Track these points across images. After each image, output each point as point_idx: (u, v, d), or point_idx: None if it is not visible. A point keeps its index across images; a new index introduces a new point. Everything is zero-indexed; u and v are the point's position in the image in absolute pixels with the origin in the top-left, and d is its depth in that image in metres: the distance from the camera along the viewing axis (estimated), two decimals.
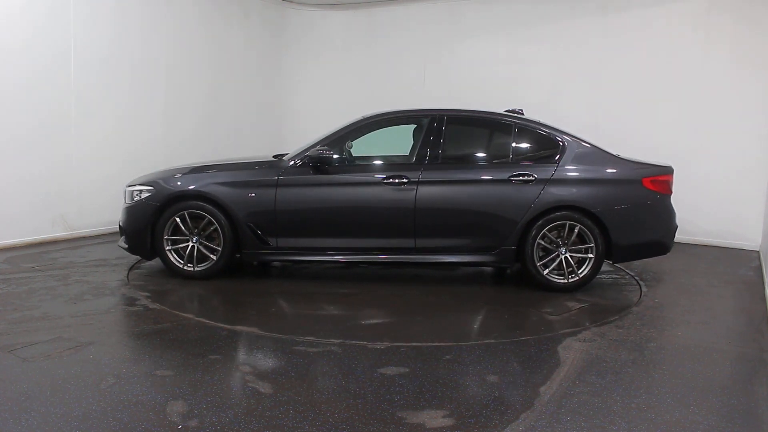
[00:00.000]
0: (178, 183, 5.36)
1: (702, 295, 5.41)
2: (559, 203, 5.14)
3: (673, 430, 2.87)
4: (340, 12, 9.73)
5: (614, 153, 5.37)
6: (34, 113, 6.43)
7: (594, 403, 3.11)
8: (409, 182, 5.20)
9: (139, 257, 5.84)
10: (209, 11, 8.52)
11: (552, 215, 5.14)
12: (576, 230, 5.14)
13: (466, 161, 5.57)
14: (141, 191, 5.40)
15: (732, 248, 7.45)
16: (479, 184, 5.27)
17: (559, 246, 5.19)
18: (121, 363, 3.47)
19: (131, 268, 5.65)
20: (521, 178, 5.18)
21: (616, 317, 4.61)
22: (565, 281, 5.20)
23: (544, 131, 5.41)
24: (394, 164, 5.55)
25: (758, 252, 7.20)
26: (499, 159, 5.45)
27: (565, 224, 5.15)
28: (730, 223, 7.53)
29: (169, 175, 5.48)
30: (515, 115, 5.58)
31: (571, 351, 3.86)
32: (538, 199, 5.13)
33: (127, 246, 5.46)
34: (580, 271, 5.19)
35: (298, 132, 9.07)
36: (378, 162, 5.67)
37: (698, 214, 7.37)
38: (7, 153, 6.23)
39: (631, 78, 7.91)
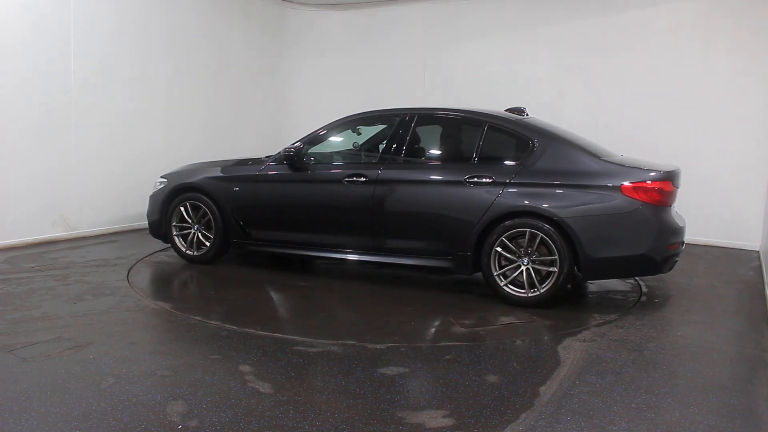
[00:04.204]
0: (182, 177, 5.95)
1: (702, 295, 5.40)
2: (518, 208, 4.68)
3: (673, 430, 2.87)
4: (340, 12, 9.73)
5: (619, 154, 5.09)
6: (34, 113, 6.42)
7: (594, 403, 3.11)
8: (367, 181, 5.16)
9: (138, 259, 6.10)
10: (209, 11, 8.51)
11: (509, 221, 4.69)
12: (538, 239, 4.62)
13: (428, 160, 5.38)
14: (160, 182, 6.06)
15: (732, 248, 7.44)
16: (433, 185, 5.03)
17: (521, 256, 4.73)
18: (121, 363, 3.46)
19: (131, 268, 5.66)
20: (477, 179, 4.83)
21: (616, 317, 4.62)
22: (525, 295, 4.69)
23: (514, 130, 4.98)
24: (359, 163, 5.53)
25: (758, 252, 7.20)
26: (464, 158, 5.16)
27: (525, 232, 4.66)
28: (730, 223, 7.53)
29: (180, 170, 6.15)
30: (487, 113, 5.23)
31: (571, 351, 3.86)
32: (494, 203, 4.73)
33: (149, 229, 6.13)
34: (543, 285, 4.64)
35: (297, 132, 8.98)
36: (347, 160, 5.68)
37: (698, 214, 7.35)
38: (7, 153, 6.23)
39: (630, 78, 7.90)
